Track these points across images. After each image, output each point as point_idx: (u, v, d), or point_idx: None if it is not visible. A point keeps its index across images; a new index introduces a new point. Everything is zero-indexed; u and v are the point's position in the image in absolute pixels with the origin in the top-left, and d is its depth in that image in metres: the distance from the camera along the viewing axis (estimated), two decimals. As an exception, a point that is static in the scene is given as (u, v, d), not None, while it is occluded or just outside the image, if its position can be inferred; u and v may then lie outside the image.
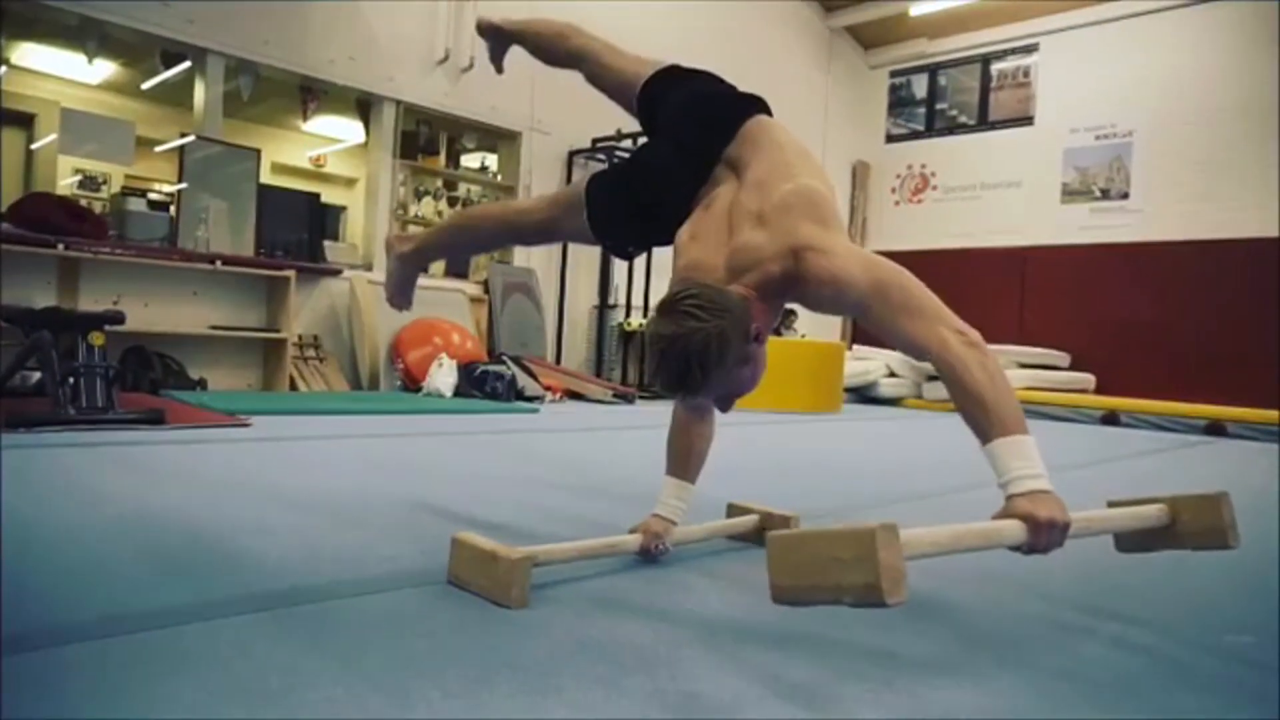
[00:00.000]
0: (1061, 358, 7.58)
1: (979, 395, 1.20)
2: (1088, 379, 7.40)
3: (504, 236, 1.99)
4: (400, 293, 2.04)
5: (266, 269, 5.03)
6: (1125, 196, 7.74)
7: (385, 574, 1.48)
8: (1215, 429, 5.86)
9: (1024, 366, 7.15)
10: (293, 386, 5.05)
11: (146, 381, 4.32)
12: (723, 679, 1.09)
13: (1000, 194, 8.50)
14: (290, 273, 4.99)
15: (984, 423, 1.20)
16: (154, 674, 1.00)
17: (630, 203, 1.67)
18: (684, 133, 1.64)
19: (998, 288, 8.19)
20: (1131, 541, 1.36)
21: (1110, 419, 6.35)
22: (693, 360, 1.27)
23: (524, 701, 0.99)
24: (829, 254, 1.34)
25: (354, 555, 1.60)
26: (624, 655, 1.16)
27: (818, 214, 1.41)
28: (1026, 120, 8.38)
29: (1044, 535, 1.12)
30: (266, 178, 6.79)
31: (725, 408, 1.43)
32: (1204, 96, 7.27)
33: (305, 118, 6.52)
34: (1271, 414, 5.75)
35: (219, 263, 4.77)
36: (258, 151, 5.36)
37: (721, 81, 1.77)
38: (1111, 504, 1.41)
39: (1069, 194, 8.06)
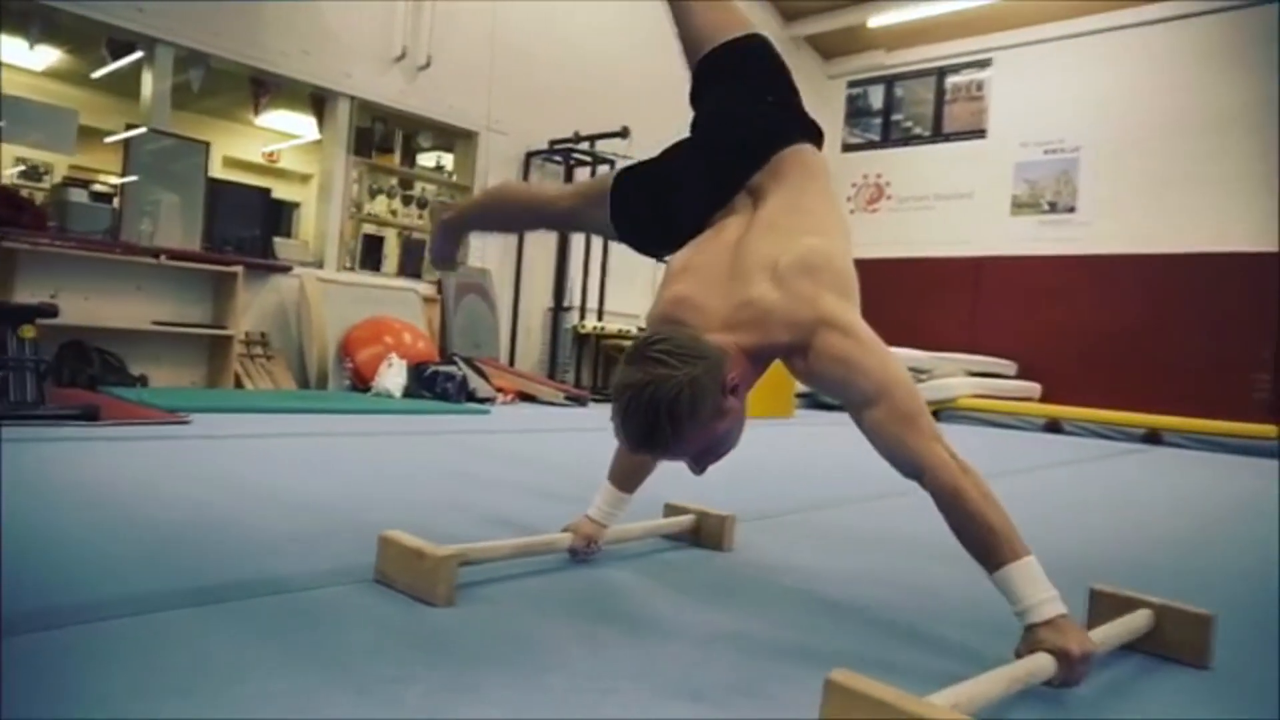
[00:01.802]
0: (1009, 366, 7.74)
1: (987, 522, 1.15)
2: (1033, 387, 7.56)
3: (530, 220, 1.88)
4: (438, 255, 1.95)
5: (213, 264, 4.93)
6: (1072, 210, 7.93)
7: (312, 571, 1.46)
8: (1152, 437, 6.03)
9: (973, 374, 7.28)
10: (238, 384, 4.96)
11: (84, 377, 4.21)
12: (642, 677, 1.09)
13: (953, 205, 8.65)
14: (238, 268, 4.90)
15: (993, 549, 1.15)
16: (68, 669, 0.98)
17: (650, 205, 1.57)
18: (715, 148, 1.53)
19: (950, 296, 8.34)
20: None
21: (1053, 426, 6.50)
22: (661, 410, 1.14)
23: (438, 699, 0.98)
24: (852, 336, 1.24)
25: (281, 552, 1.57)
26: (546, 653, 1.16)
27: (840, 284, 1.30)
28: (979, 133, 8.55)
29: (1078, 669, 1.08)
30: (218, 172, 6.68)
31: (700, 469, 1.29)
32: (1148, 115, 7.48)
33: (257, 112, 6.41)
34: (1204, 423, 5.94)
35: (163, 257, 4.67)
36: (206, 144, 5.26)
37: (776, 86, 1.59)
38: (1094, 591, 1.37)
39: (1019, 206, 8.24)
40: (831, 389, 1.27)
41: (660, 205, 1.55)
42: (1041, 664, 1.05)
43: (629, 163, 1.65)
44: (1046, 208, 8.09)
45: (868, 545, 2.07)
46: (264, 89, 5.85)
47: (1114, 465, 4.60)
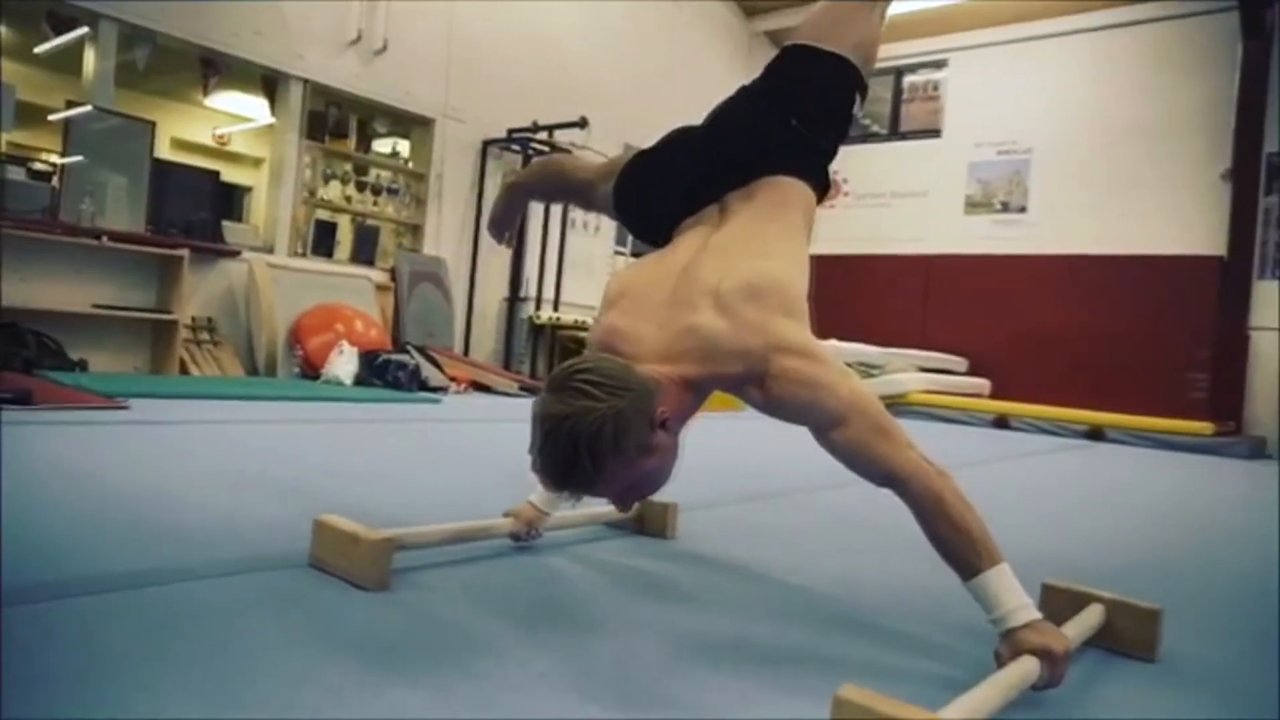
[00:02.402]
0: (960, 362, 7.86)
1: (966, 528, 1.12)
2: (983, 384, 7.68)
3: (562, 190, 1.83)
4: (495, 221, 1.86)
5: (157, 247, 4.81)
6: (1023, 210, 8.08)
7: (246, 556, 1.43)
8: (1095, 434, 6.18)
9: (924, 370, 7.39)
10: (184, 371, 4.85)
11: (19, 360, 4.08)
12: (571, 663, 1.08)
13: (908, 203, 8.75)
14: (183, 252, 4.79)
15: (970, 555, 1.12)
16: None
17: (638, 191, 1.51)
18: (707, 151, 1.45)
19: (903, 293, 8.44)
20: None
21: (1001, 422, 6.62)
22: (581, 445, 1.06)
23: (365, 682, 0.97)
24: (811, 357, 1.18)
25: (215, 537, 1.54)
26: (478, 639, 1.15)
27: (788, 306, 1.23)
28: (934, 133, 8.65)
29: (1060, 667, 1.07)
30: (166, 153, 6.51)
31: (625, 506, 1.23)
32: (1098, 119, 7.64)
33: (206, 93, 6.26)
34: (1144, 420, 6.11)
35: (105, 238, 4.55)
36: (152, 124, 5.12)
37: (810, 112, 1.46)
38: (1047, 586, 1.37)
39: (972, 205, 8.36)
40: (796, 414, 1.19)
41: (644, 194, 1.50)
42: (1030, 667, 1.04)
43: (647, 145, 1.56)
44: (999, 207, 8.22)
45: (809, 536, 2.09)
46: (213, 69, 5.71)
47: (1059, 460, 4.70)
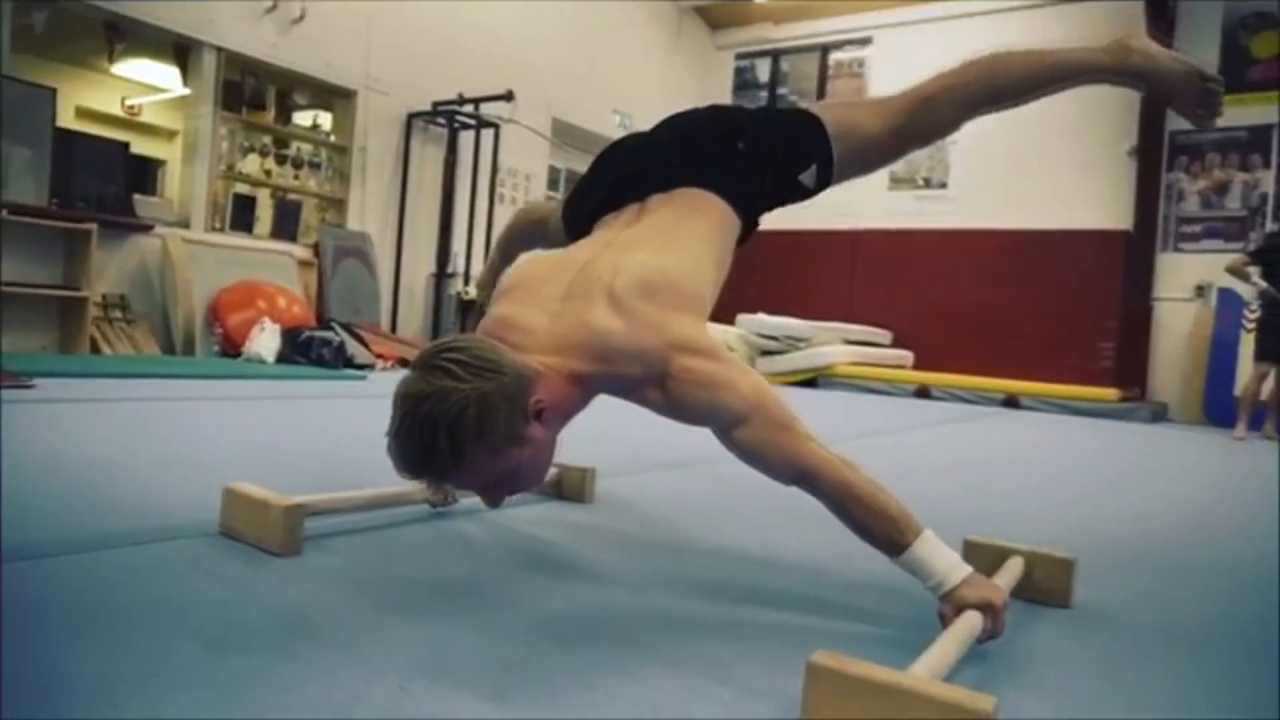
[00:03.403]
0: (884, 335, 8.07)
1: (883, 510, 1.12)
2: (906, 355, 7.91)
3: (533, 227, 1.76)
4: (484, 280, 1.84)
5: (62, 220, 4.62)
6: (944, 186, 8.30)
7: (154, 526, 1.41)
8: (1011, 402, 6.43)
9: (850, 343, 7.56)
10: (95, 350, 4.69)
11: (-85, 340, 3.90)
12: (476, 626, 1.09)
13: (834, 178, 8.89)
14: (91, 226, 4.61)
15: (893, 534, 1.12)
16: None
17: (581, 198, 1.52)
18: (644, 152, 1.47)
19: (831, 268, 8.60)
20: None
21: (923, 392, 6.84)
22: (440, 428, 1.00)
23: (272, 644, 0.97)
24: (710, 357, 1.15)
25: (123, 509, 1.52)
26: (385, 603, 1.15)
27: (685, 302, 1.20)
28: (860, 109, 8.79)
29: (1001, 617, 1.08)
30: (70, 123, 6.22)
31: (494, 501, 1.16)
32: (1014, 97, 7.86)
33: (111, 60, 6.00)
34: (1056, 388, 6.38)
35: (4, 211, 4.35)
36: (52, 91, 4.89)
37: (759, 145, 1.45)
38: (969, 541, 1.39)
39: (895, 181, 8.55)
40: (697, 416, 1.16)
41: (584, 198, 1.51)
42: (975, 620, 1.06)
43: None
44: (921, 183, 8.43)
45: (727, 503, 2.14)
46: (119, 35, 5.48)
47: (977, 427, 4.88)
